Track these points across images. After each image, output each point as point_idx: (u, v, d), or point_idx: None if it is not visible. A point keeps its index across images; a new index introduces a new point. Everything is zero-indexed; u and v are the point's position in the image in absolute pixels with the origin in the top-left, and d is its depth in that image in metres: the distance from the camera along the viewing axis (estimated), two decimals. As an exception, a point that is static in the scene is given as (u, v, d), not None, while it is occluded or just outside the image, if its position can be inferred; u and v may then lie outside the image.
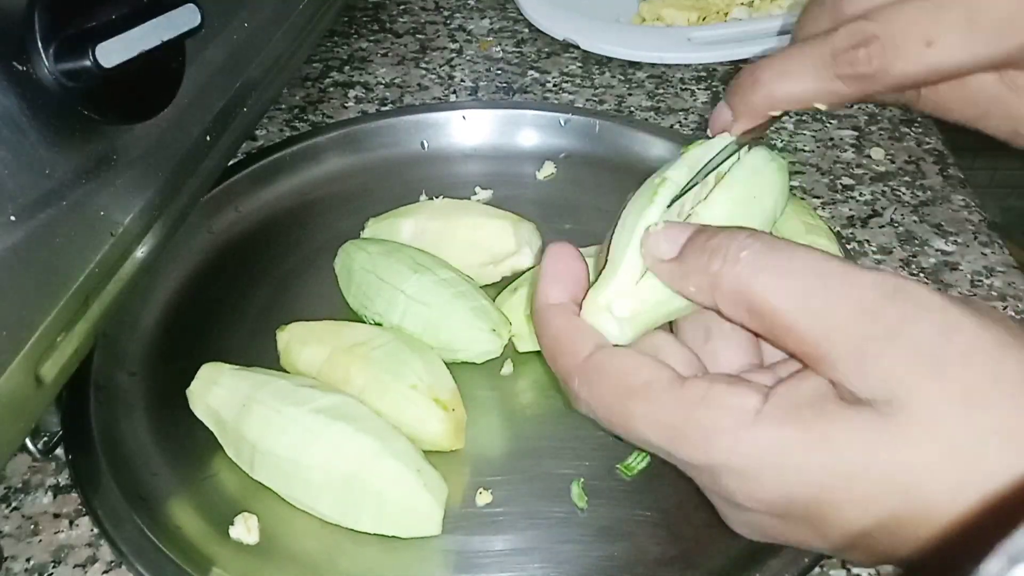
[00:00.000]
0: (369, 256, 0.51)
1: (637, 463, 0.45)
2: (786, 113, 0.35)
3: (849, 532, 0.27)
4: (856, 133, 0.68)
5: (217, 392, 0.44)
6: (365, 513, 0.41)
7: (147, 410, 0.47)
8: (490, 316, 0.48)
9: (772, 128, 0.35)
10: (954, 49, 0.31)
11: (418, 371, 0.45)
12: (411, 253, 0.51)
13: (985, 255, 0.58)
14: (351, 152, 0.63)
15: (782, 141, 0.67)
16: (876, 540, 0.26)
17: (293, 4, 0.57)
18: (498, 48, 0.79)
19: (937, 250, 0.58)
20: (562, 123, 0.64)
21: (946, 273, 0.57)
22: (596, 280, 0.32)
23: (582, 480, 0.44)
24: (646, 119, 0.69)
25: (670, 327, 0.33)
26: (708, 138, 0.35)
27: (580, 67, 0.76)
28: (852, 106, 0.71)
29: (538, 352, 0.50)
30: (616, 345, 0.31)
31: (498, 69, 0.76)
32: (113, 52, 0.34)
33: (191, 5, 0.38)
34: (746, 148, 0.34)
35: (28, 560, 0.42)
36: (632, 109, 0.70)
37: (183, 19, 0.37)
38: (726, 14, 0.79)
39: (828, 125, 0.69)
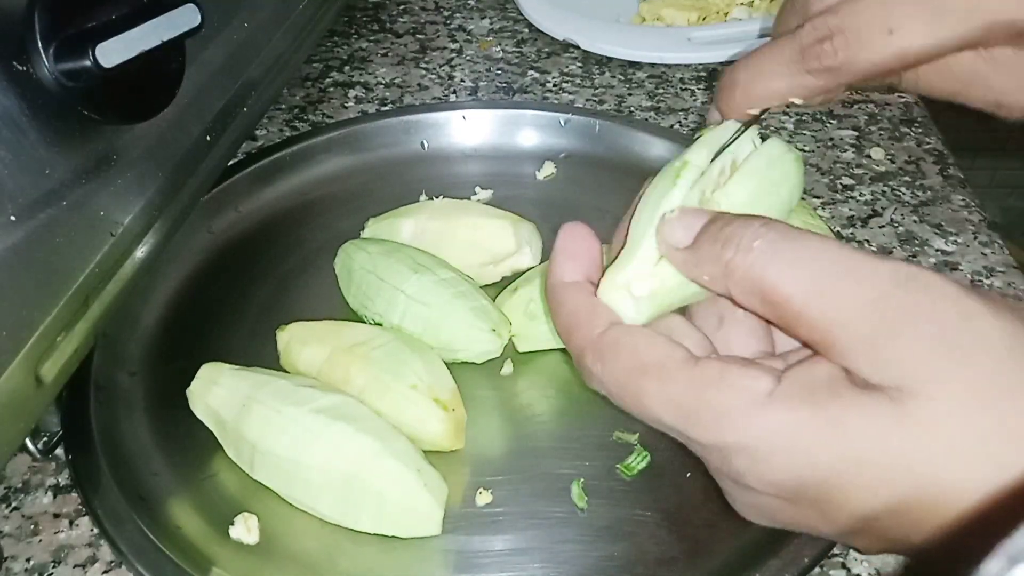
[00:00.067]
0: (369, 256, 0.51)
1: (637, 463, 0.45)
2: (767, 110, 0.35)
3: (857, 516, 0.27)
4: (856, 133, 0.68)
5: (217, 392, 0.44)
6: (365, 513, 0.41)
7: (147, 410, 0.47)
8: (490, 316, 0.48)
9: (762, 123, 0.36)
10: (916, 35, 0.32)
11: (418, 371, 0.45)
12: (411, 253, 0.51)
13: (985, 255, 0.58)
14: (351, 152, 0.63)
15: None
16: (884, 525, 0.26)
17: (293, 4, 0.57)
18: (498, 48, 0.79)
19: (937, 250, 0.58)
20: (562, 123, 0.64)
21: (946, 273, 0.57)
22: (613, 262, 0.32)
23: (582, 480, 0.44)
24: (646, 119, 0.69)
25: (683, 312, 0.33)
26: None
27: (580, 67, 0.76)
28: (852, 106, 0.71)
29: (538, 352, 0.51)
30: None
31: (498, 69, 0.76)
32: (113, 52, 0.34)
33: (191, 5, 0.38)
34: (757, 136, 0.34)
35: (28, 560, 0.42)
36: (632, 109, 0.70)
37: (183, 19, 0.37)
38: (726, 14, 0.79)
39: (828, 125, 0.69)
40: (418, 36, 0.81)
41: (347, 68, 0.76)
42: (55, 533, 0.43)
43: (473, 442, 0.46)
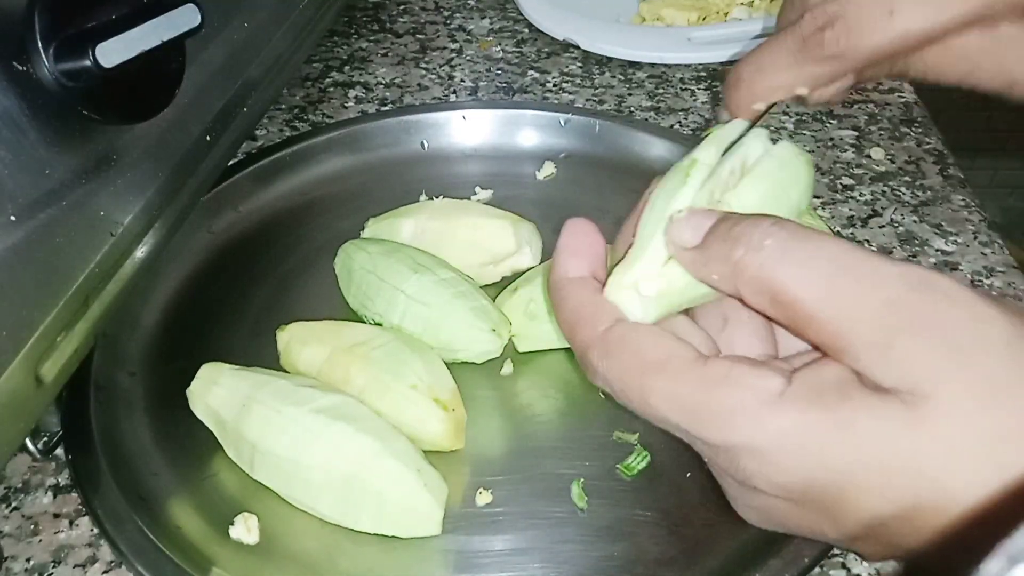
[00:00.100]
0: (369, 256, 0.51)
1: (637, 463, 0.45)
2: (774, 105, 0.35)
3: (864, 520, 0.26)
4: (856, 133, 0.68)
5: (217, 392, 0.44)
6: (365, 513, 0.41)
7: (147, 410, 0.47)
8: (490, 316, 0.48)
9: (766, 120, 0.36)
10: (916, 16, 0.32)
11: (418, 371, 0.45)
12: (411, 253, 0.51)
13: (985, 255, 0.58)
14: (351, 152, 0.63)
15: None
16: (890, 530, 0.26)
17: (293, 4, 0.57)
18: (498, 48, 0.79)
19: (937, 250, 0.58)
20: (562, 123, 0.64)
21: (946, 273, 0.57)
22: (619, 261, 0.31)
23: (582, 480, 0.44)
24: (646, 119, 0.69)
25: (687, 313, 0.33)
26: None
27: (580, 67, 0.76)
28: (852, 106, 0.71)
29: (538, 352, 0.51)
30: None
31: (498, 69, 0.76)
32: (113, 52, 0.34)
33: (191, 5, 0.38)
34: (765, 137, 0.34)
35: (28, 560, 0.42)
36: (632, 109, 0.70)
37: (183, 19, 0.37)
38: (726, 14, 0.79)
39: (828, 125, 0.69)
40: (418, 36, 0.81)
41: (347, 68, 0.76)
42: (55, 533, 0.43)
43: (473, 442, 0.46)
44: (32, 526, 0.43)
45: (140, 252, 0.42)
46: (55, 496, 0.45)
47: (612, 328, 0.29)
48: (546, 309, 0.49)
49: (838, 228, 0.60)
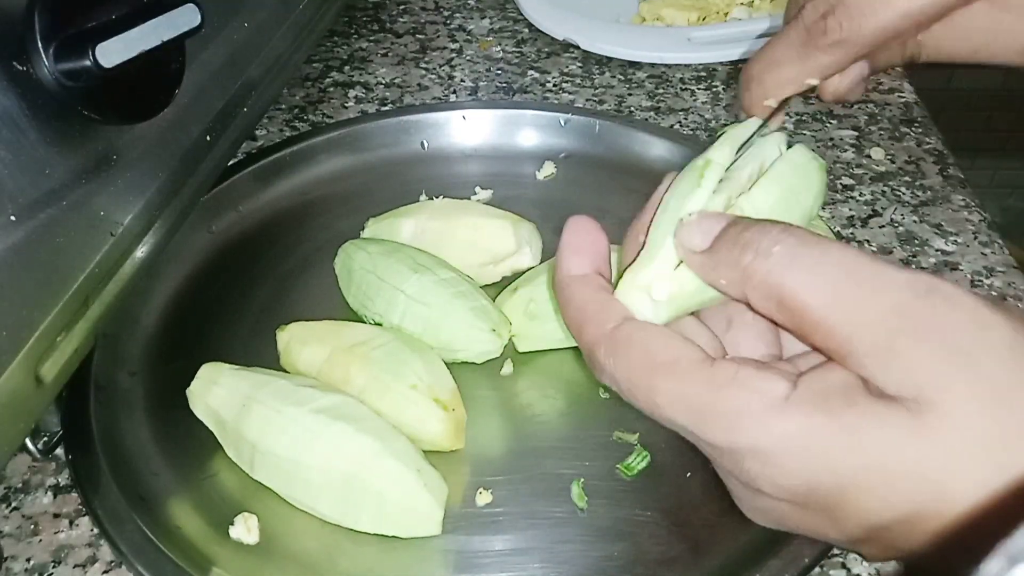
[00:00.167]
0: (369, 256, 0.51)
1: (637, 463, 0.45)
2: (788, 100, 0.35)
3: (867, 524, 0.26)
4: (856, 133, 0.68)
5: (217, 392, 0.44)
6: (365, 513, 0.41)
7: (147, 410, 0.47)
8: (490, 316, 0.48)
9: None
10: None
11: (418, 371, 0.45)
12: (411, 253, 0.51)
13: (985, 255, 0.58)
14: (351, 152, 0.63)
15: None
16: (893, 534, 0.26)
17: (293, 4, 0.57)
18: (498, 48, 0.79)
19: (937, 250, 0.58)
20: (562, 123, 0.64)
21: (946, 273, 0.57)
22: (632, 262, 0.31)
23: (582, 480, 0.44)
24: (646, 119, 0.69)
25: (693, 314, 0.33)
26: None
27: (580, 67, 0.76)
28: (852, 106, 0.71)
29: (538, 352, 0.51)
30: None
31: (498, 69, 0.76)
32: (113, 52, 0.34)
33: (191, 5, 0.38)
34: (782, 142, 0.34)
35: (28, 560, 0.42)
36: (632, 109, 0.70)
37: (183, 19, 0.37)
38: (726, 14, 0.79)
39: (828, 125, 0.69)
40: (418, 36, 0.81)
41: (347, 68, 0.76)
42: (55, 533, 0.43)
43: (473, 442, 0.46)
44: (32, 526, 0.43)
45: (140, 252, 0.42)
46: (55, 496, 0.45)
47: (620, 327, 0.29)
48: (548, 309, 0.49)
49: (838, 228, 0.60)
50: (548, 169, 0.63)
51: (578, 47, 0.76)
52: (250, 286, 0.55)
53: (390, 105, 0.72)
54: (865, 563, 0.42)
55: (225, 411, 0.44)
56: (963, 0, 0.33)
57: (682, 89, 0.73)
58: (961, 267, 0.57)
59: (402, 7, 0.85)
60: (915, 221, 0.60)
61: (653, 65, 0.75)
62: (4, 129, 0.33)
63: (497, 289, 0.53)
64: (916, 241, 0.59)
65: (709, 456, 0.29)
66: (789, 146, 0.33)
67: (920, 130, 0.69)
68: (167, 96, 0.40)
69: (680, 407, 0.28)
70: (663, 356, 0.28)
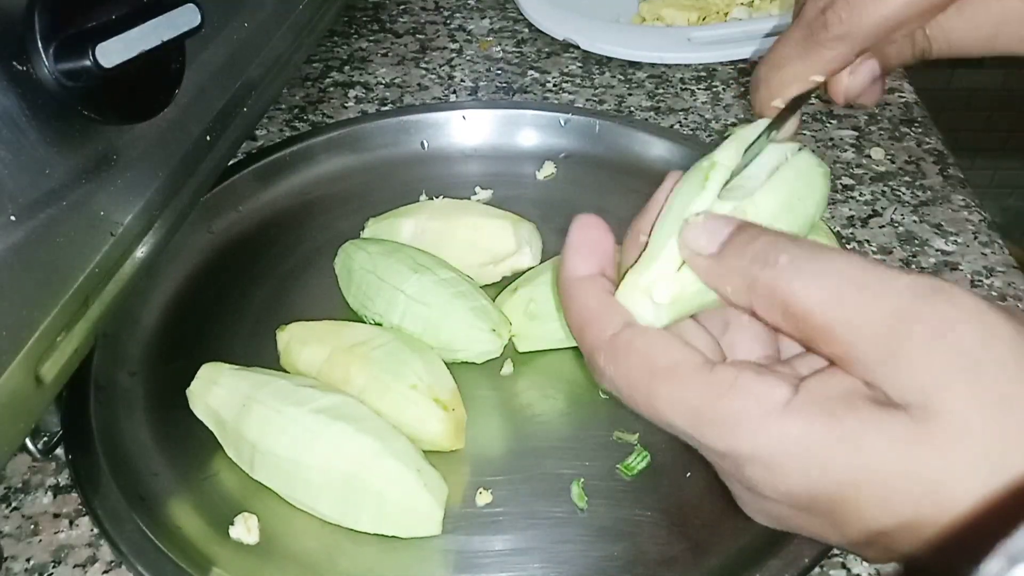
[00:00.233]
0: (369, 256, 0.51)
1: (637, 463, 0.45)
2: (800, 100, 0.35)
3: (868, 529, 0.26)
4: (856, 133, 0.68)
5: (217, 392, 0.44)
6: (365, 513, 0.41)
7: (147, 410, 0.47)
8: (490, 316, 0.48)
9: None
10: None
11: (418, 371, 0.45)
12: (411, 253, 0.51)
13: (985, 255, 0.58)
14: (351, 152, 0.63)
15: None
16: (894, 539, 0.26)
17: (293, 4, 0.57)
18: (498, 48, 0.79)
19: (937, 250, 0.58)
20: (562, 123, 0.64)
21: (946, 273, 0.57)
22: (634, 263, 0.31)
23: (582, 480, 0.44)
24: (646, 119, 0.69)
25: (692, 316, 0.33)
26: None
27: (580, 67, 0.76)
28: (852, 106, 0.71)
29: (538, 352, 0.51)
30: None
31: (498, 69, 0.76)
32: (113, 52, 0.34)
33: (191, 5, 0.38)
34: (789, 148, 0.34)
35: (28, 560, 0.42)
36: (632, 109, 0.70)
37: (183, 19, 0.37)
38: (726, 14, 0.79)
39: (828, 125, 0.69)
40: (418, 36, 0.81)
41: (347, 68, 0.76)
42: (55, 533, 0.43)
43: (473, 442, 0.46)
44: (32, 526, 0.43)
45: (140, 252, 0.42)
46: (55, 496, 0.45)
47: (620, 333, 0.29)
48: (548, 309, 0.49)
49: (838, 228, 0.60)
50: (548, 169, 0.63)
51: (578, 47, 0.76)
52: (250, 286, 0.55)
53: (390, 105, 0.72)
54: (865, 563, 0.42)
55: (225, 411, 0.44)
56: None
57: (682, 89, 0.73)
58: (961, 267, 0.57)
59: (402, 7, 0.85)
60: (915, 221, 0.60)
61: (653, 65, 0.75)
62: (4, 129, 0.33)
63: (497, 289, 0.53)
64: (916, 241, 0.59)
65: (711, 460, 0.29)
66: (799, 149, 0.33)
67: (920, 130, 0.69)
68: (167, 96, 0.40)
69: (680, 412, 0.28)
70: (663, 361, 0.28)
